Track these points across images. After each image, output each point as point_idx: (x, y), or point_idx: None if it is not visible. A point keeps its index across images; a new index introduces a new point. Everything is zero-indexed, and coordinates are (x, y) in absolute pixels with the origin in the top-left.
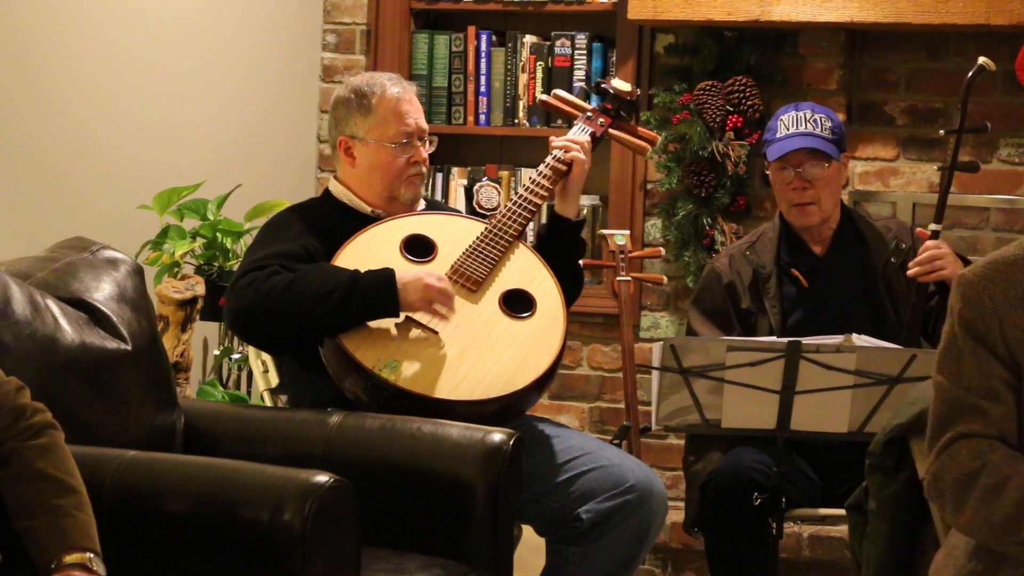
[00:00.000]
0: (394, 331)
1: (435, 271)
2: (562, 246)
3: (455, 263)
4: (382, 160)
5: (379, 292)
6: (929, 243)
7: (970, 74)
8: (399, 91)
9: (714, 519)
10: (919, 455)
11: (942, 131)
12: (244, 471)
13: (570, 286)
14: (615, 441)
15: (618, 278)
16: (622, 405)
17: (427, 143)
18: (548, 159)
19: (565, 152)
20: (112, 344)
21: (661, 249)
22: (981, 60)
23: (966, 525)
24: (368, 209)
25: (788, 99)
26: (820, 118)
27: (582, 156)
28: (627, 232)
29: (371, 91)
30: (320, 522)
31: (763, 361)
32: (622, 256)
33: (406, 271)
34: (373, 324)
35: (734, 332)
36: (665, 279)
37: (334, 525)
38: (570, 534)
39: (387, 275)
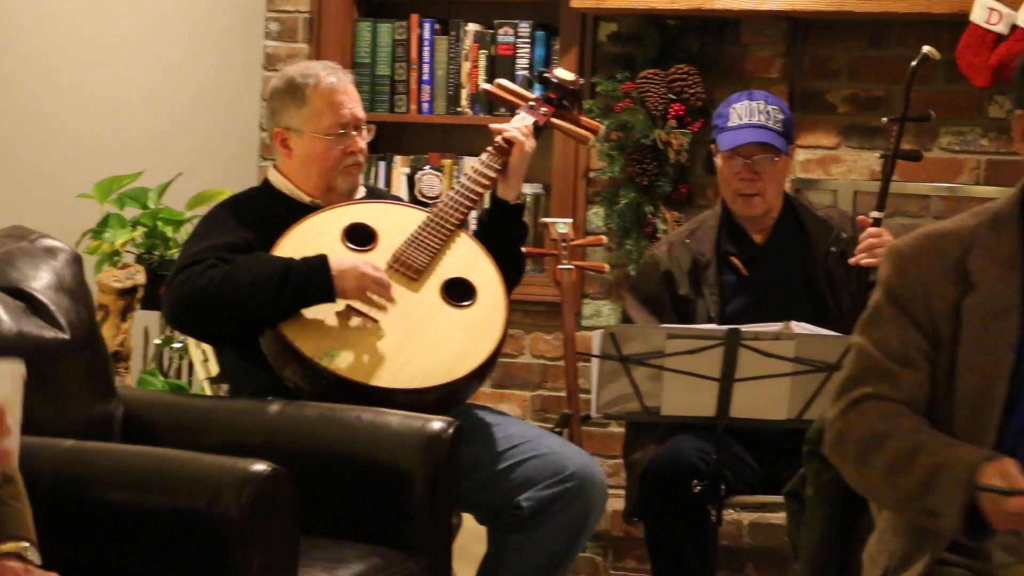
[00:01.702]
0: (334, 320)
1: (373, 260)
2: (503, 231)
3: (396, 251)
4: (318, 151)
5: (313, 279)
6: (870, 230)
7: (914, 63)
8: (334, 80)
9: (654, 507)
10: None
11: (884, 119)
12: (182, 460)
13: (511, 272)
14: (557, 429)
15: (560, 266)
16: (564, 393)
17: (364, 132)
18: (489, 148)
19: (504, 133)
20: (50, 333)
21: (603, 237)
22: (925, 49)
23: (868, 485)
24: (307, 199)
25: (731, 88)
26: (772, 110)
27: (521, 136)
28: (569, 220)
29: (305, 82)
30: (257, 511)
31: (703, 349)
32: (564, 244)
33: (343, 258)
34: (313, 313)
35: (668, 320)
36: (607, 267)
37: (272, 514)
38: (510, 522)
39: (320, 261)
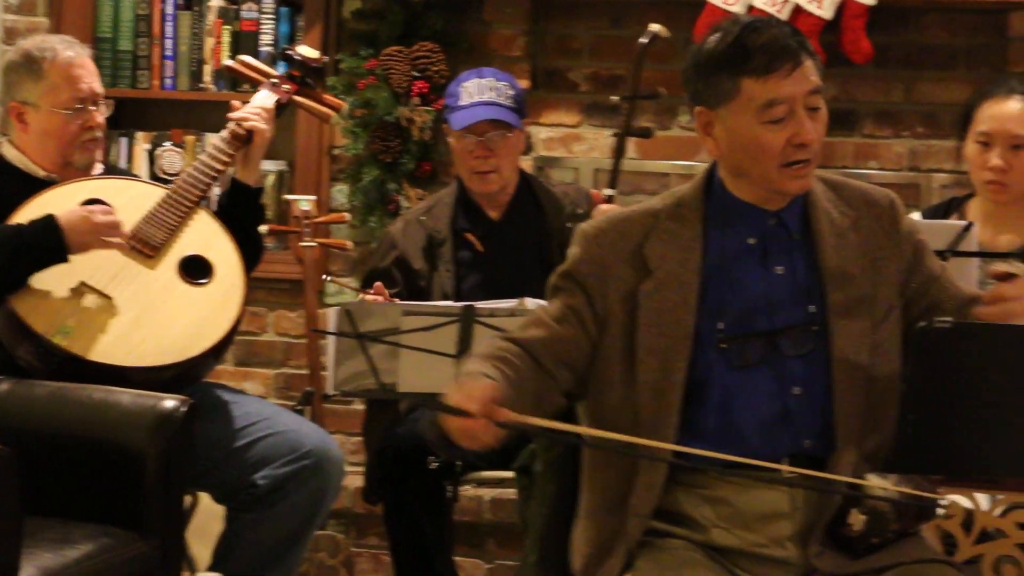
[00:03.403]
0: (68, 296)
1: (100, 206)
2: (241, 213)
3: (133, 228)
4: (55, 126)
5: (43, 237)
6: (601, 207)
7: (642, 40)
8: (72, 55)
9: (391, 484)
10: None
11: (615, 97)
12: None
13: (249, 253)
14: (299, 407)
15: (302, 243)
16: (308, 371)
17: (102, 108)
18: (229, 125)
19: (243, 122)
20: None
21: (346, 215)
22: (654, 28)
23: None
24: (42, 173)
25: (474, 65)
26: (503, 86)
27: (261, 125)
28: (313, 198)
29: (42, 55)
30: None
31: (438, 325)
32: (307, 221)
33: (70, 212)
34: (47, 290)
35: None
36: (351, 244)
37: None
38: (246, 500)
39: (48, 219)
